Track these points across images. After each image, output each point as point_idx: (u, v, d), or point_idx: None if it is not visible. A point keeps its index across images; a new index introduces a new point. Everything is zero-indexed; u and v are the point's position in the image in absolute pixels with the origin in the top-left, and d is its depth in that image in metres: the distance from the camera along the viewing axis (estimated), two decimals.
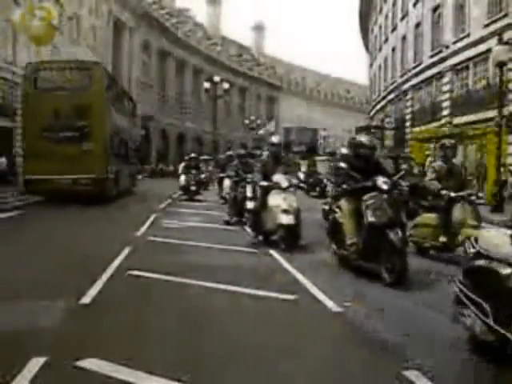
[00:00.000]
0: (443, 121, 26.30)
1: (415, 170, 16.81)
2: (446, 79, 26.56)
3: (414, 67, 31.37)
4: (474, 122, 22.48)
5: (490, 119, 19.31)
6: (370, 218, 6.17)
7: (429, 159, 23.25)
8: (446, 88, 26.59)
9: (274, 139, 9.24)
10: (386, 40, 40.27)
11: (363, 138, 7.09)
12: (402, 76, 34.27)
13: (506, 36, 17.84)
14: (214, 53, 68.04)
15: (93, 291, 5.29)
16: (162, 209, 14.82)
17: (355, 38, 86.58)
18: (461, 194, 7.66)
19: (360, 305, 5.04)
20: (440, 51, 27.00)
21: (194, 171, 19.47)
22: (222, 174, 17.94)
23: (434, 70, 27.92)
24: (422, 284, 6.04)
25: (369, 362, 3.67)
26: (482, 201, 14.23)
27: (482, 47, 22.33)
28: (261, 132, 50.01)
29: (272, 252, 7.91)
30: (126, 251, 7.60)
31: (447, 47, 26.01)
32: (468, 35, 23.98)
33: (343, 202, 6.79)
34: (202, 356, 3.69)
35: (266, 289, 5.59)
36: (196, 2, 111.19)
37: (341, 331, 4.36)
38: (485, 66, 22.81)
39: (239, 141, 66.14)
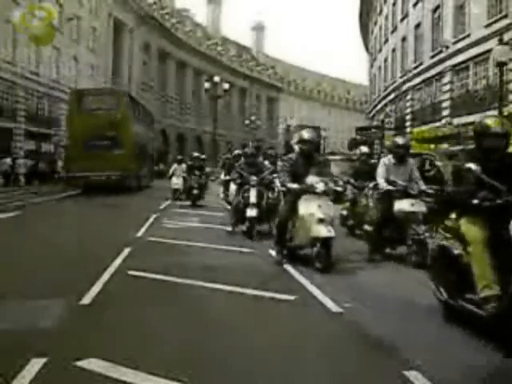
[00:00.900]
0: (443, 121, 26.29)
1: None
2: (446, 79, 26.56)
3: (414, 67, 31.37)
4: (474, 123, 22.45)
5: None
6: None
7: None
8: (446, 88, 26.58)
9: (306, 135, 7.39)
10: (386, 40, 40.27)
11: None
12: (402, 76, 34.26)
13: (506, 36, 17.85)
14: (214, 53, 68.11)
15: (93, 291, 5.29)
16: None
17: (355, 38, 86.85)
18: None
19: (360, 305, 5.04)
20: (440, 51, 27.00)
21: (197, 172, 17.14)
22: (227, 177, 15.89)
23: (434, 71, 27.91)
24: None
25: (369, 362, 3.67)
26: None
27: (482, 47, 22.33)
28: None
29: (271, 252, 7.91)
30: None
31: (447, 47, 26.00)
32: (468, 35, 23.98)
33: (469, 225, 4.20)
34: (201, 356, 3.68)
35: (265, 289, 5.58)
36: (196, 2, 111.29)
37: (341, 331, 4.35)
38: (485, 67, 22.81)
39: (239, 141, 66.15)
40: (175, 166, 19.18)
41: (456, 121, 24.99)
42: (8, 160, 27.30)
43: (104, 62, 43.71)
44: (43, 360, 3.41)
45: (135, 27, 49.79)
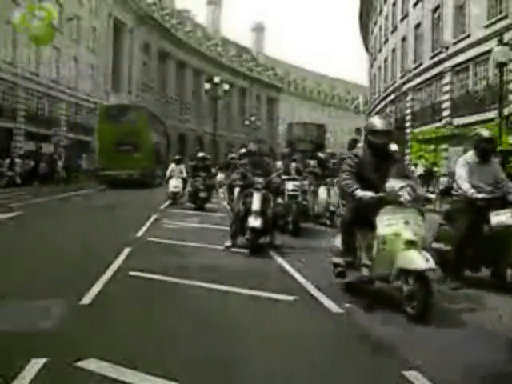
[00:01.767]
0: (443, 122, 26.31)
1: None
2: (446, 80, 26.57)
3: (414, 68, 31.38)
4: (475, 123, 22.47)
5: (491, 120, 19.35)
6: None
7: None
8: (446, 89, 26.59)
9: (378, 123, 5.39)
10: (386, 41, 40.29)
11: None
12: (402, 77, 34.28)
13: (506, 37, 17.87)
14: (214, 53, 68.13)
15: (93, 291, 5.29)
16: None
17: (355, 39, 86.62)
18: None
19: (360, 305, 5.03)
20: (440, 52, 27.01)
21: (203, 174, 15.69)
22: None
23: (434, 71, 27.93)
24: None
25: (369, 363, 3.66)
26: None
27: (482, 48, 22.34)
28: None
29: (271, 252, 7.91)
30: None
31: (447, 48, 26.01)
32: (468, 36, 23.99)
33: None
34: (201, 356, 3.67)
35: (266, 289, 5.58)
36: (196, 2, 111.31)
37: (341, 332, 4.35)
38: (485, 67, 22.82)
39: (240, 141, 66.16)
40: (172, 166, 17.74)
41: (456, 121, 25.00)
42: (7, 161, 27.24)
43: (104, 62, 43.71)
44: (43, 360, 3.41)
45: (135, 27, 49.80)
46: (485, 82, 22.85)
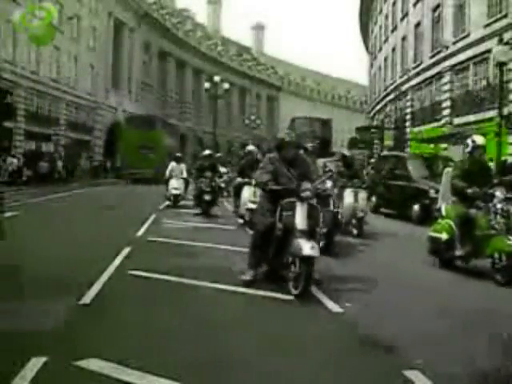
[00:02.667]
0: (443, 121, 26.30)
1: None
2: (445, 79, 26.56)
3: (414, 67, 31.37)
4: (474, 123, 22.47)
5: (490, 119, 19.34)
6: None
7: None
8: (445, 88, 26.58)
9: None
10: (386, 40, 40.28)
11: None
12: (401, 76, 34.27)
13: (506, 36, 17.84)
14: (214, 53, 68.09)
15: (93, 290, 5.30)
16: None
17: (355, 38, 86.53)
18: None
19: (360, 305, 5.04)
20: (440, 51, 27.00)
21: (209, 174, 13.82)
22: (240, 179, 11.71)
23: (434, 70, 27.92)
24: None
25: (369, 362, 3.67)
26: None
27: (481, 47, 22.33)
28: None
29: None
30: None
31: (447, 47, 26.01)
32: (468, 35, 23.98)
33: None
34: (202, 355, 3.68)
35: (266, 289, 5.59)
36: (196, 1, 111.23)
37: (341, 331, 4.36)
38: (485, 66, 22.81)
39: (240, 140, 66.15)
40: (172, 164, 16.14)
41: (456, 121, 25.00)
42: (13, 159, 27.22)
43: (104, 62, 43.68)
44: (43, 359, 3.41)
45: (135, 27, 49.76)
46: (485, 81, 22.84)
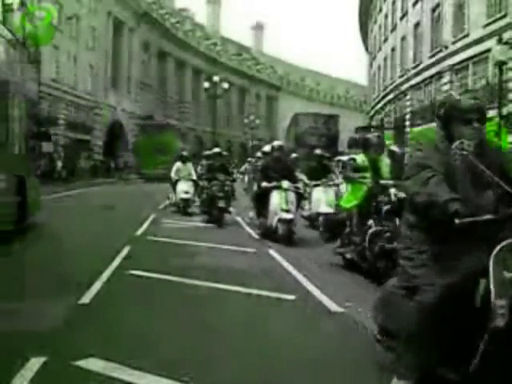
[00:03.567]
0: None
1: None
2: (445, 79, 26.56)
3: (414, 67, 31.38)
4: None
5: (490, 119, 19.34)
6: None
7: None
8: (445, 88, 26.58)
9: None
10: (386, 40, 40.29)
11: None
12: (401, 76, 34.28)
13: (506, 36, 17.86)
14: (213, 52, 68.08)
15: (93, 290, 5.29)
16: None
17: (355, 38, 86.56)
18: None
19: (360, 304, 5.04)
20: (439, 51, 27.01)
21: (221, 176, 11.88)
22: (267, 184, 9.25)
23: (434, 70, 27.92)
24: None
25: (368, 362, 3.67)
26: None
27: (481, 47, 22.33)
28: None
29: (270, 251, 7.92)
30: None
31: (446, 47, 26.01)
32: (467, 35, 23.98)
33: None
34: (202, 356, 3.68)
35: (266, 288, 5.58)
36: (195, 1, 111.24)
37: (340, 331, 4.36)
38: (484, 66, 22.81)
39: (239, 140, 66.17)
40: (178, 165, 14.21)
41: None
42: None
43: (103, 61, 43.67)
44: (43, 359, 3.41)
45: (135, 26, 49.75)
46: (484, 80, 22.85)
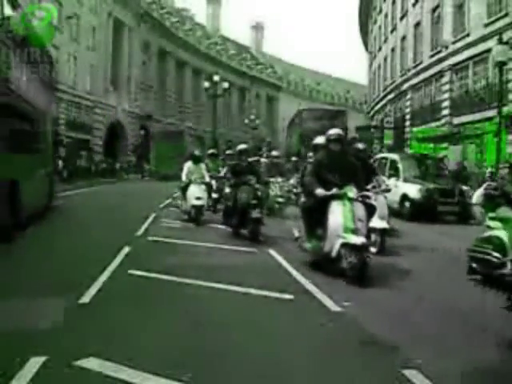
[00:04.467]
0: (443, 120, 26.31)
1: None
2: (445, 79, 26.57)
3: (414, 67, 31.38)
4: (474, 122, 22.49)
5: (490, 119, 19.36)
6: None
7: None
8: (445, 88, 26.59)
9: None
10: (386, 40, 40.29)
11: None
12: (401, 76, 34.28)
13: (506, 36, 17.85)
14: (213, 52, 68.06)
15: (92, 290, 5.30)
16: None
17: (355, 38, 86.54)
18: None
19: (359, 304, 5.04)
20: (439, 51, 27.01)
21: (252, 179, 9.68)
22: (322, 191, 6.45)
23: (434, 70, 27.93)
24: None
25: (368, 362, 3.67)
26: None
27: (481, 47, 22.33)
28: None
29: (271, 251, 7.92)
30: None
31: (447, 47, 26.01)
32: (468, 35, 23.98)
33: None
34: (202, 356, 3.68)
35: (265, 288, 5.58)
36: (196, 1, 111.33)
37: (340, 331, 4.36)
38: (484, 66, 22.81)
39: (239, 140, 66.05)
40: (189, 165, 12.08)
41: (456, 120, 25.00)
42: None
43: (103, 61, 43.64)
44: (43, 359, 3.41)
45: (135, 26, 49.71)
46: (484, 80, 22.85)
